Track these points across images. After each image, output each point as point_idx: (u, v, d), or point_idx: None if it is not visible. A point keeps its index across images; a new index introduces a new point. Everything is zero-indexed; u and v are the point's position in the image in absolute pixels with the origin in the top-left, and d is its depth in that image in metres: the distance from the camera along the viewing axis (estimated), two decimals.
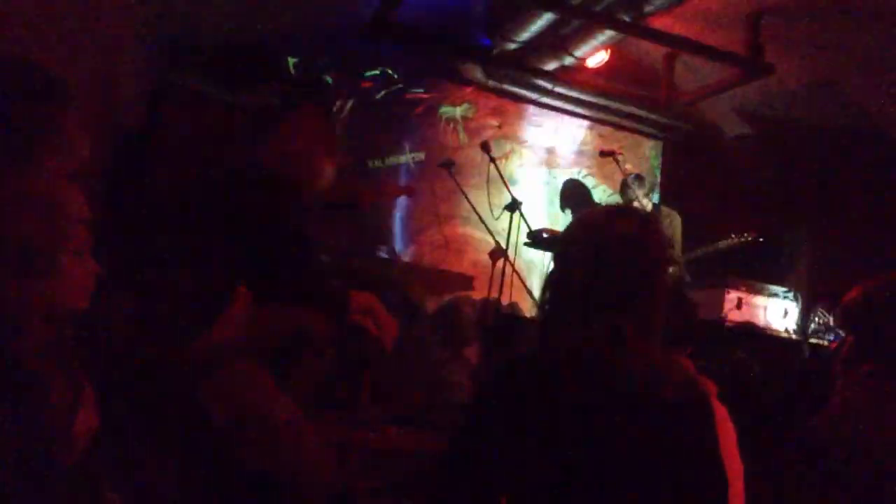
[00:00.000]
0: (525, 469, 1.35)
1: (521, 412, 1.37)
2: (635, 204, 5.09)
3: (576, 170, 6.56)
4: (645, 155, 6.82)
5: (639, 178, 5.40)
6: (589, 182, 6.54)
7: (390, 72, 6.02)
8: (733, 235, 5.01)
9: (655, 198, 6.68)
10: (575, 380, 1.39)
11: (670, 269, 5.05)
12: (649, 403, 1.40)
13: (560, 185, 6.15)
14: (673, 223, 5.39)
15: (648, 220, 1.56)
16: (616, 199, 6.03)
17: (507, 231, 4.43)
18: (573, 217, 1.68)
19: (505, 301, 4.59)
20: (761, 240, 4.99)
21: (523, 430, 1.36)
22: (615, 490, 1.34)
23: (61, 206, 1.05)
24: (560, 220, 5.84)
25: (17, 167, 1.00)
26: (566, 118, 6.54)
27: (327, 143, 2.72)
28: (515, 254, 4.51)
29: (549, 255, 4.90)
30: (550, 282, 1.57)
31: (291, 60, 5.74)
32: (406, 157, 6.07)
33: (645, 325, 1.46)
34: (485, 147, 4.56)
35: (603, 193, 6.25)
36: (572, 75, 5.74)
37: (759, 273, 5.51)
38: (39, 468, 0.95)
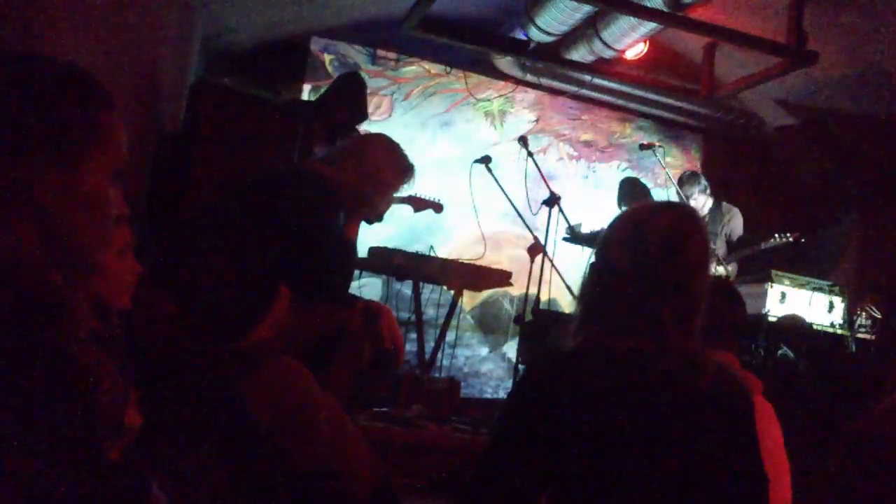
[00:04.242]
0: (566, 463, 1.35)
1: (562, 407, 1.37)
2: (691, 202, 5.04)
3: (615, 163, 6.49)
4: (685, 147, 6.73)
5: (693, 175, 5.34)
6: (628, 175, 6.48)
7: (427, 66, 6.02)
8: (777, 236, 4.95)
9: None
10: (615, 373, 1.40)
11: (724, 269, 5.00)
12: (688, 396, 1.40)
13: (597, 180, 6.09)
14: (733, 220, 5.37)
15: (691, 215, 1.56)
16: (663, 194, 5.96)
17: (545, 226, 4.40)
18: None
19: (543, 297, 4.57)
20: (803, 240, 4.94)
21: (564, 425, 1.36)
22: (656, 483, 1.34)
23: (105, 207, 1.08)
24: (600, 216, 5.79)
25: (68, 169, 1.04)
26: (604, 111, 6.48)
27: (400, 166, 2.79)
28: (554, 249, 4.48)
29: (587, 250, 4.86)
30: (591, 277, 1.57)
31: (328, 57, 5.77)
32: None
33: (684, 318, 1.45)
34: (522, 142, 4.53)
35: (663, 192, 6.14)
36: (610, 68, 5.67)
37: (803, 266, 5.42)
38: (88, 463, 0.95)
